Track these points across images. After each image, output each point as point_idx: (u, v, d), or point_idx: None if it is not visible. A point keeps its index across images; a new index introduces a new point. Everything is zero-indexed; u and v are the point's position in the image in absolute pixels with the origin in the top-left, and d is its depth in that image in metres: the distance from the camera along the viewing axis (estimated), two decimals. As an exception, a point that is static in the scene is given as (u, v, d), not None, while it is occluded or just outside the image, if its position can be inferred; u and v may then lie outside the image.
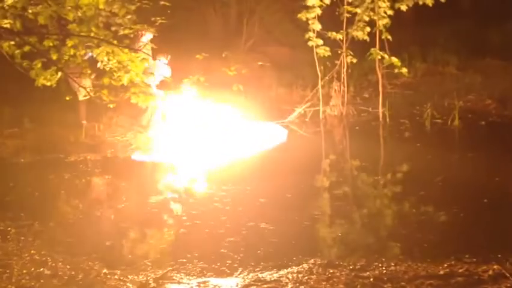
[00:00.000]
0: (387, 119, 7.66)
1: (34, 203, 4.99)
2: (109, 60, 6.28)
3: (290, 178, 5.43)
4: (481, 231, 4.00)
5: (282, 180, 5.37)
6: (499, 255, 3.47)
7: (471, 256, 3.50)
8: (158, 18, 6.88)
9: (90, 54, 6.83)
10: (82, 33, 6.20)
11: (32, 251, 3.89)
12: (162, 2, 6.85)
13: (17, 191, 5.36)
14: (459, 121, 7.14)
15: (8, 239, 4.14)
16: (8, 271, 3.56)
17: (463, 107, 7.56)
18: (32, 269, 3.61)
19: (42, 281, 3.46)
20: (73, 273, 3.55)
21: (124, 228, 4.44)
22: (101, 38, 5.92)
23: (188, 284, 3.42)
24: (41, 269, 3.60)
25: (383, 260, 3.52)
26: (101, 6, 6.47)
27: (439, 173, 5.34)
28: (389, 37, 7.72)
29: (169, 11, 7.12)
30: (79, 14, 6.16)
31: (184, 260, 3.71)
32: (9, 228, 4.33)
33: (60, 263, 3.68)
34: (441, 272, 3.34)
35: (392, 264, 3.45)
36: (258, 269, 3.53)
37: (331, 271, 3.40)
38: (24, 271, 3.57)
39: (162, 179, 5.76)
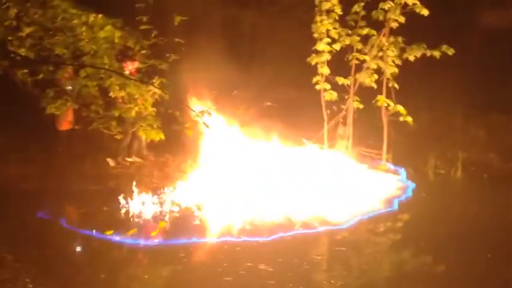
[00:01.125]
0: (392, 166, 7.72)
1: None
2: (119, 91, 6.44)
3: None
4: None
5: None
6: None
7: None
8: (172, 55, 7.05)
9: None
10: (96, 65, 6.38)
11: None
12: (177, 40, 7.05)
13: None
14: (462, 173, 7.16)
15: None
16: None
17: (466, 159, 7.59)
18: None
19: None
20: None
21: (120, 262, 4.43)
22: (114, 70, 6.03)
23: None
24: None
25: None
26: (116, 40, 6.70)
27: (441, 223, 5.33)
28: (396, 86, 7.84)
29: (183, 48, 7.31)
30: (94, 46, 6.37)
31: None
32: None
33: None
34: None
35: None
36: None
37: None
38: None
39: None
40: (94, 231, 5.03)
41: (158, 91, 6.86)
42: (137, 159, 7.80)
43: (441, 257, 4.54)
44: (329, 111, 8.30)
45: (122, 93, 6.59)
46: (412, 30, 7.74)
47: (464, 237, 5.00)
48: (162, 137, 6.97)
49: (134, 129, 7.41)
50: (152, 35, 7.14)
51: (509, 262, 4.46)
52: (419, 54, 7.70)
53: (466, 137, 8.68)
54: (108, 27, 6.41)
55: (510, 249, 4.75)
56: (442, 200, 6.33)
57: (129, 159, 7.78)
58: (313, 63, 7.92)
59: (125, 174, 7.33)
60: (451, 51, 7.42)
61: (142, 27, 7.11)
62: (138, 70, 7.28)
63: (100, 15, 6.46)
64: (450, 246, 4.84)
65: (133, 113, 7.05)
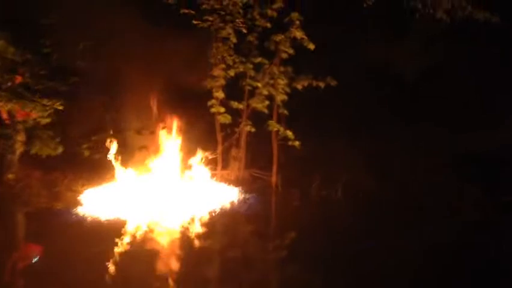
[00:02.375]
0: (279, 187, 8.21)
1: None
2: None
3: (182, 240, 5.60)
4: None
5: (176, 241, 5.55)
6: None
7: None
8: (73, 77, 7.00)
9: None
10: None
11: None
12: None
13: None
14: (342, 193, 7.82)
15: None
16: None
17: (347, 181, 8.26)
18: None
19: None
20: None
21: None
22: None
23: None
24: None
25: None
26: (9, 56, 6.51)
27: (320, 240, 5.81)
28: (286, 112, 8.39)
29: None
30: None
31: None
32: None
33: None
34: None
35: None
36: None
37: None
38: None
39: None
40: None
41: (56, 105, 6.78)
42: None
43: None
44: (223, 134, 8.64)
45: (5, 109, 6.42)
46: (301, 61, 8.38)
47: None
48: (60, 150, 6.84)
49: (21, 147, 7.19)
50: (54, 57, 7.01)
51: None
52: (306, 83, 8.34)
53: (348, 159, 9.42)
54: (1, 42, 6.25)
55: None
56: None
57: (11, 177, 7.39)
58: (208, 87, 8.24)
59: (10, 194, 7.01)
60: (333, 83, 8.16)
61: (45, 50, 6.96)
62: (23, 86, 7.06)
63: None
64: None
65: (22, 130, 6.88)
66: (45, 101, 6.68)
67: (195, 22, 7.80)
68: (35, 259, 5.07)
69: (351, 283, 4.66)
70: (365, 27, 9.78)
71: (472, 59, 9.63)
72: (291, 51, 8.16)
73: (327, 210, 7.26)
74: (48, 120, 6.77)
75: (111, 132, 7.19)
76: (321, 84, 8.26)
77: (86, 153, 6.91)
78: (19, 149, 7.31)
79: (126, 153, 7.74)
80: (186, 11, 7.76)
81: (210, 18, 7.89)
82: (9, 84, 6.79)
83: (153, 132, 8.09)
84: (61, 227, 5.90)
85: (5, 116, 7.16)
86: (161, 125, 7.86)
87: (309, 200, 7.73)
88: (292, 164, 9.03)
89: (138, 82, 7.69)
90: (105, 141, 7.11)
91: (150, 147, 7.96)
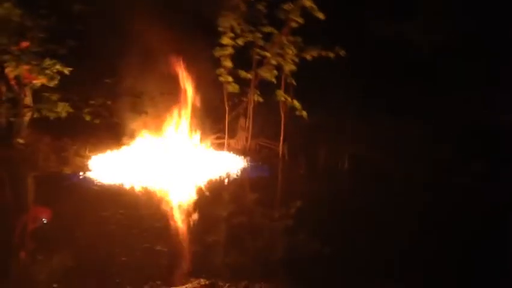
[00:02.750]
0: (286, 157, 8.25)
1: None
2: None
3: (188, 207, 5.67)
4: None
5: (181, 207, 5.61)
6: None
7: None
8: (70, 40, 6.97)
9: None
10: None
11: None
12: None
13: None
14: (348, 165, 7.86)
15: None
16: None
17: (354, 153, 8.29)
18: None
19: None
20: None
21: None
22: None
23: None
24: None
25: (264, 282, 3.84)
26: (15, 19, 6.48)
27: (325, 209, 5.87)
28: (294, 82, 8.36)
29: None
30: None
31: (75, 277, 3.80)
32: None
33: None
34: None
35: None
36: (145, 286, 3.69)
37: (213, 291, 3.68)
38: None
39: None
40: None
41: (58, 68, 6.79)
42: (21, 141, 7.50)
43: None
44: (230, 103, 8.65)
45: (15, 72, 6.45)
46: (310, 31, 8.31)
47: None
48: (69, 110, 6.88)
49: (30, 111, 7.23)
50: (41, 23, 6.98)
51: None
52: (315, 54, 8.29)
53: (355, 133, 9.45)
54: (7, 5, 6.20)
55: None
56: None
57: (20, 141, 7.45)
58: (217, 55, 8.20)
59: (19, 157, 7.09)
60: (342, 53, 8.10)
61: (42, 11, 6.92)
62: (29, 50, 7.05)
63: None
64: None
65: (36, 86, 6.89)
66: (50, 63, 6.67)
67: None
68: (44, 221, 5.16)
69: (356, 249, 4.72)
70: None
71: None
72: (300, 20, 8.08)
73: (332, 180, 7.30)
74: (55, 82, 6.78)
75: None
76: (331, 55, 8.20)
77: (87, 117, 6.94)
78: (28, 113, 7.35)
79: (128, 118, 7.78)
80: None
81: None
82: (16, 48, 6.78)
83: (153, 97, 8.09)
84: (69, 191, 5.99)
85: (12, 80, 7.18)
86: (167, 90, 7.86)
87: (315, 170, 7.78)
88: (299, 134, 9.07)
89: (139, 47, 7.67)
90: (104, 105, 7.14)
91: (151, 112, 7.96)
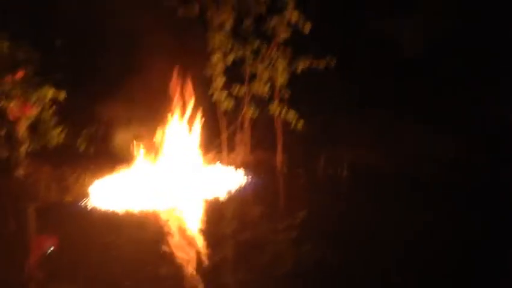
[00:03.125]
0: (285, 168, 8.28)
1: None
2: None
3: (189, 226, 5.70)
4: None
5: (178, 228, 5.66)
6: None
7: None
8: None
9: None
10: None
11: None
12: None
13: None
14: (348, 172, 7.87)
15: None
16: None
17: (352, 160, 8.30)
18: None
19: None
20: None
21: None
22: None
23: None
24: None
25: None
26: (5, 51, 6.57)
27: (329, 219, 5.89)
28: (286, 94, 8.44)
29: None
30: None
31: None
32: None
33: None
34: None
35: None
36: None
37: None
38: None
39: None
40: None
41: (51, 93, 6.87)
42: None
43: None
44: (226, 120, 8.71)
45: (11, 105, 6.52)
46: (300, 41, 8.38)
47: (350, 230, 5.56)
48: (61, 138, 6.93)
49: (24, 146, 7.30)
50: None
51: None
52: (305, 65, 8.36)
53: (353, 139, 9.43)
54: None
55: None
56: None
57: (20, 173, 7.49)
58: (208, 75, 8.28)
59: (20, 190, 7.13)
60: (332, 62, 8.18)
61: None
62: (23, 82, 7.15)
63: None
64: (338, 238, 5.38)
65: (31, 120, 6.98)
66: (44, 91, 6.76)
67: (180, 11, 7.86)
68: (50, 250, 5.20)
69: (364, 258, 4.73)
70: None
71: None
72: (287, 34, 8.16)
73: (333, 188, 7.32)
74: (50, 113, 6.87)
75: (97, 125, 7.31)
76: (321, 64, 8.27)
77: (82, 146, 7.03)
78: (25, 145, 7.42)
79: (121, 143, 7.86)
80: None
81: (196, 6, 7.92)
82: (9, 81, 6.87)
83: (143, 124, 8.17)
84: (72, 219, 6.03)
85: (8, 113, 7.23)
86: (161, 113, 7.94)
87: (315, 180, 7.79)
88: (297, 145, 9.08)
89: (124, 74, 7.79)
90: (96, 133, 7.24)
91: (143, 136, 8.03)
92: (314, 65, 8.31)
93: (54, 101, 7.17)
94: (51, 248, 5.22)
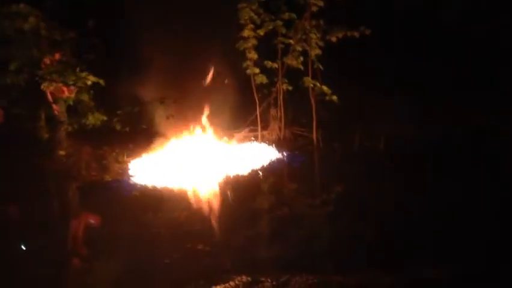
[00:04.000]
0: (321, 143, 8.19)
1: None
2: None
3: (227, 203, 5.74)
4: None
5: (217, 205, 5.70)
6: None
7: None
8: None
9: None
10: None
11: None
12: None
13: None
14: (384, 146, 7.72)
15: None
16: None
17: (389, 133, 8.12)
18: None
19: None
20: None
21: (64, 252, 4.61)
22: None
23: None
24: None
25: (304, 275, 3.85)
26: (42, 32, 6.67)
27: (367, 193, 5.80)
28: (321, 66, 8.27)
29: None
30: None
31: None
32: None
33: None
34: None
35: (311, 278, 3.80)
36: (188, 285, 3.79)
37: (255, 287, 3.72)
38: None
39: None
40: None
41: (92, 79, 7.00)
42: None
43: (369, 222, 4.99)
44: (260, 95, 8.65)
45: (52, 87, 6.65)
46: (333, 12, 8.16)
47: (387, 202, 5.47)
48: (104, 118, 7.10)
49: (63, 126, 7.48)
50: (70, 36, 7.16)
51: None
52: (340, 35, 8.15)
53: (389, 113, 9.20)
54: (32, 19, 6.38)
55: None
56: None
57: (62, 153, 7.69)
58: (241, 49, 8.20)
59: (62, 169, 7.34)
60: (367, 32, 7.93)
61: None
62: (60, 62, 7.26)
63: (21, 5, 6.42)
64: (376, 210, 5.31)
65: (70, 102, 7.13)
66: (85, 75, 6.89)
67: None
68: (92, 227, 5.35)
69: (401, 232, 4.66)
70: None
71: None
72: (320, 3, 7.95)
73: (370, 163, 7.18)
74: (87, 95, 7.01)
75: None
76: (356, 35, 8.04)
77: (117, 126, 7.16)
78: (65, 125, 7.60)
79: (157, 123, 7.95)
80: None
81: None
82: (47, 62, 7.00)
83: (176, 101, 8.20)
84: (112, 196, 6.17)
85: (49, 95, 7.41)
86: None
87: (351, 154, 7.68)
88: (332, 119, 8.96)
89: (161, 51, 7.79)
90: (131, 113, 7.35)
91: (177, 115, 8.08)
92: (349, 36, 8.08)
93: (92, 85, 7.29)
94: (94, 225, 5.37)
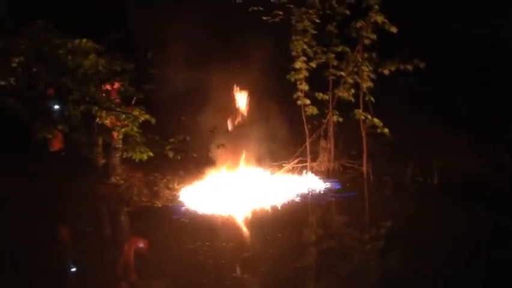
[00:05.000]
0: (371, 176, 8.03)
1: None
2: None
3: (274, 233, 5.71)
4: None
5: (266, 235, 5.67)
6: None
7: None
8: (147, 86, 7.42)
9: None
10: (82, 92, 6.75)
11: None
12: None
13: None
14: (438, 180, 7.47)
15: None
16: None
17: (443, 166, 7.86)
18: None
19: None
20: None
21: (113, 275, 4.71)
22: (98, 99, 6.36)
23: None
24: None
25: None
26: (100, 68, 7.02)
27: (421, 229, 5.61)
28: (372, 99, 8.19)
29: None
30: (79, 73, 6.69)
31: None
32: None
33: None
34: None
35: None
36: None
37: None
38: None
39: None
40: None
41: (145, 116, 7.28)
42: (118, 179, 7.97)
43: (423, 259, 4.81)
44: (310, 126, 8.64)
45: (107, 121, 6.96)
46: (385, 45, 8.13)
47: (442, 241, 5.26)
48: (150, 154, 7.33)
49: (118, 153, 7.74)
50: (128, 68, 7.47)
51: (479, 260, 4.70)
52: (393, 68, 8.09)
53: (443, 146, 8.94)
54: (92, 56, 6.72)
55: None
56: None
57: (116, 178, 7.93)
58: (292, 80, 8.28)
59: (115, 194, 7.56)
60: (422, 65, 7.82)
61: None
62: (120, 92, 7.56)
63: (84, 40, 6.79)
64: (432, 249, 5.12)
65: (120, 136, 7.42)
66: (136, 112, 7.18)
67: (264, 18, 7.92)
68: (141, 251, 5.44)
69: (453, 272, 4.45)
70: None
71: None
72: (373, 36, 7.96)
73: (422, 198, 6.98)
74: (136, 130, 7.28)
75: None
76: (409, 68, 7.95)
77: (170, 154, 7.35)
78: (120, 152, 7.86)
79: (207, 151, 8.09)
80: (255, 8, 7.90)
81: (280, 12, 7.95)
82: (108, 88, 7.34)
83: (227, 130, 8.33)
84: (163, 222, 6.27)
85: (108, 124, 7.71)
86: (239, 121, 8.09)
87: (403, 188, 7.49)
88: (383, 152, 8.79)
89: (212, 82, 7.98)
90: (184, 142, 7.52)
91: (227, 144, 8.18)
92: (401, 68, 8.00)
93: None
94: (143, 251, 5.47)
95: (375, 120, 8.09)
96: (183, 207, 6.73)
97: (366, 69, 8.11)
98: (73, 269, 5.08)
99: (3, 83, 6.60)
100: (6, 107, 6.77)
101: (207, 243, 5.32)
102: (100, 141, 7.85)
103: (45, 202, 6.90)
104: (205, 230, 5.85)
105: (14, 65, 6.54)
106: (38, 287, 4.43)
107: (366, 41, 8.00)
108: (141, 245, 5.65)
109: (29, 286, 4.39)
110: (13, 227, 5.96)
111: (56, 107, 7.73)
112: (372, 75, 8.15)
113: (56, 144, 8.06)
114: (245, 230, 5.95)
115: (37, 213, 6.51)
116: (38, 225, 6.14)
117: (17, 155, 7.94)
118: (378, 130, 8.12)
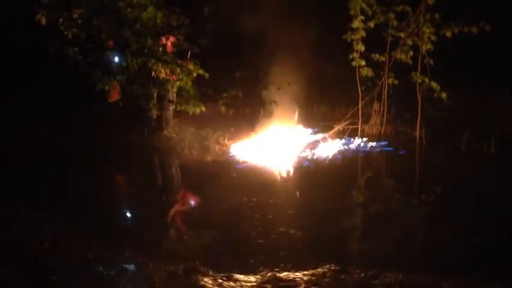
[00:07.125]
0: (424, 141, 7.84)
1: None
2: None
3: (322, 192, 5.76)
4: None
5: (313, 193, 5.73)
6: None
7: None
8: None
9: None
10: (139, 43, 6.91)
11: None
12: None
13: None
14: (495, 148, 7.20)
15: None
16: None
17: (501, 133, 7.54)
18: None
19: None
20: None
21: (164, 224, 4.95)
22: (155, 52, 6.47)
23: (212, 276, 3.79)
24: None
25: (395, 271, 3.75)
26: (158, 21, 7.13)
27: (469, 195, 5.50)
28: (431, 62, 7.88)
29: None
30: (137, 26, 6.83)
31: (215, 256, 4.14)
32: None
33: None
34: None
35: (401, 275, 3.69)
36: (277, 269, 3.87)
37: (342, 276, 3.70)
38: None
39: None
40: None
41: (200, 71, 7.39)
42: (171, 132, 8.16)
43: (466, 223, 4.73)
44: (364, 88, 8.46)
45: (163, 74, 7.11)
46: (449, 5, 7.71)
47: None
48: (203, 109, 7.50)
49: (172, 105, 7.92)
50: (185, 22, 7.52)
51: None
52: (456, 30, 7.70)
53: (504, 111, 8.53)
54: (150, 9, 6.83)
55: None
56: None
57: (169, 131, 8.14)
58: (348, 40, 8.08)
59: (168, 147, 7.80)
60: (487, 27, 7.39)
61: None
62: (175, 45, 7.67)
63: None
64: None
65: (175, 89, 7.59)
66: (191, 66, 7.28)
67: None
68: (192, 205, 5.65)
69: (506, 241, 4.36)
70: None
71: None
72: (436, -4, 7.57)
73: (477, 166, 6.75)
74: (191, 84, 7.40)
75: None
76: (474, 30, 7.54)
77: (222, 109, 7.46)
78: (171, 107, 8.06)
79: (259, 108, 8.12)
80: None
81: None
82: (160, 49, 7.46)
83: (280, 88, 8.28)
84: (211, 177, 6.44)
85: (163, 76, 7.87)
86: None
87: (456, 155, 7.26)
88: (438, 117, 8.53)
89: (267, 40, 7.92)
90: (236, 97, 7.60)
91: (280, 101, 8.16)
92: (465, 31, 7.60)
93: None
94: (191, 202, 5.67)
95: (433, 83, 7.80)
96: (232, 163, 6.88)
97: (427, 31, 7.75)
98: (128, 215, 5.39)
99: (65, 33, 6.86)
100: (68, 57, 7.07)
101: (254, 199, 5.45)
102: (155, 94, 8.05)
103: (104, 152, 7.25)
104: (254, 185, 5.97)
105: (75, 16, 6.75)
106: (98, 228, 4.70)
107: (430, 1, 7.61)
108: (190, 197, 5.86)
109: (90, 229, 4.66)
110: (78, 177, 6.29)
111: (116, 59, 7.96)
112: (433, 38, 7.79)
113: (114, 95, 8.34)
114: (293, 188, 6.03)
115: (98, 164, 6.83)
116: (98, 175, 6.45)
117: (79, 105, 8.30)
118: (435, 95, 7.83)
